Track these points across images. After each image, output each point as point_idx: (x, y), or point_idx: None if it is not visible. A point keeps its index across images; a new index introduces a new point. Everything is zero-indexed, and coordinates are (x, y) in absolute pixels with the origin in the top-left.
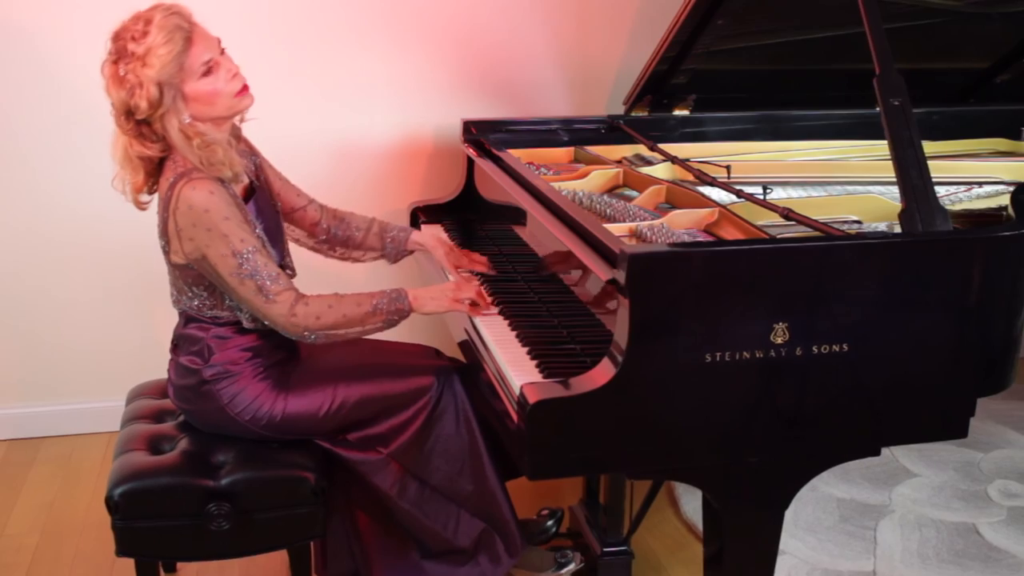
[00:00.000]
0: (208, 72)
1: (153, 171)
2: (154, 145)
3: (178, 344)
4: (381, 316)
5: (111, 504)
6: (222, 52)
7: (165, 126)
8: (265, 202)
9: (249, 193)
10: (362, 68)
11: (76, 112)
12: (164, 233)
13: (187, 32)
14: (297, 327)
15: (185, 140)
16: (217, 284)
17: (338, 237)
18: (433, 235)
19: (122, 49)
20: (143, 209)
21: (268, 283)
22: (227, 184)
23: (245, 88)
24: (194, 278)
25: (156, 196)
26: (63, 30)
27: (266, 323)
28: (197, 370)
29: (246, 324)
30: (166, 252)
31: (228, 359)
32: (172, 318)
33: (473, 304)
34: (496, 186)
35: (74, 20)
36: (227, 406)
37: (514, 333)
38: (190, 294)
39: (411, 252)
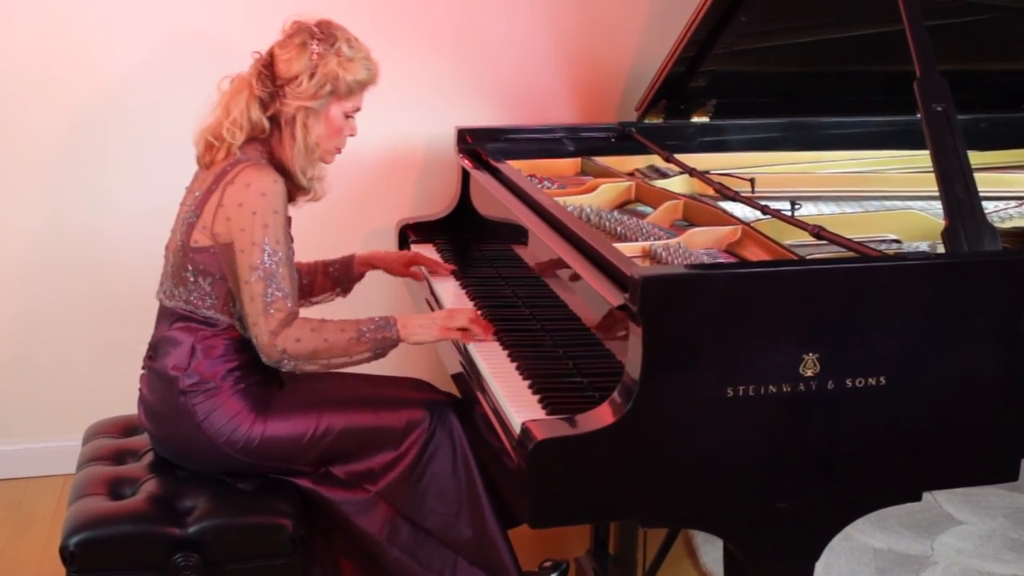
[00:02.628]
0: (348, 116)
1: (242, 146)
2: (265, 119)
3: (156, 350)
4: (367, 344)
5: (66, 555)
6: None
7: (296, 118)
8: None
9: None
10: None
11: (33, 128)
12: (200, 206)
13: (373, 79)
14: (275, 348)
15: (309, 143)
16: (228, 275)
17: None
18: (376, 251)
19: (331, 37)
20: (206, 168)
21: (278, 294)
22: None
23: (340, 152)
24: (206, 264)
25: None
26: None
27: (252, 338)
28: (175, 378)
29: (244, 334)
30: (189, 229)
31: (209, 369)
32: (137, 348)
33: (466, 331)
34: (494, 201)
35: (42, 42)
36: (202, 424)
37: (514, 365)
38: (192, 285)
39: (360, 276)
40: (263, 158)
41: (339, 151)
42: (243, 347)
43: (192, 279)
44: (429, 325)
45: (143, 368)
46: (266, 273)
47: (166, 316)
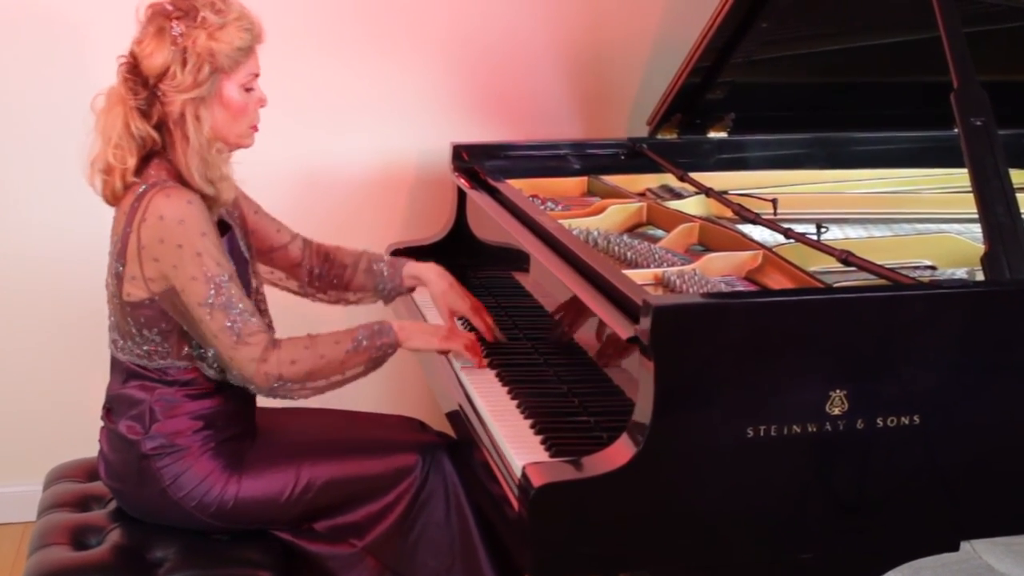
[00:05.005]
0: (248, 88)
1: (139, 165)
2: (152, 130)
3: (113, 407)
4: (364, 354)
5: None
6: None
7: (185, 115)
8: (235, 244)
9: (223, 230)
10: (331, 81)
11: None
12: (121, 254)
13: (257, 38)
14: (269, 376)
15: (204, 139)
16: (181, 321)
17: (325, 278)
18: (433, 267)
19: (191, 10)
20: (114, 204)
21: (242, 319)
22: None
23: (256, 129)
24: (148, 318)
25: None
26: None
27: (232, 373)
28: (136, 441)
29: (210, 374)
30: (119, 281)
31: (174, 429)
32: (100, 384)
33: (467, 348)
34: (492, 224)
35: None
36: (169, 488)
37: (515, 402)
38: (139, 338)
39: (410, 289)
40: (168, 174)
41: (255, 129)
42: (209, 401)
43: (137, 333)
44: (431, 332)
45: (102, 420)
46: (221, 304)
47: (119, 370)
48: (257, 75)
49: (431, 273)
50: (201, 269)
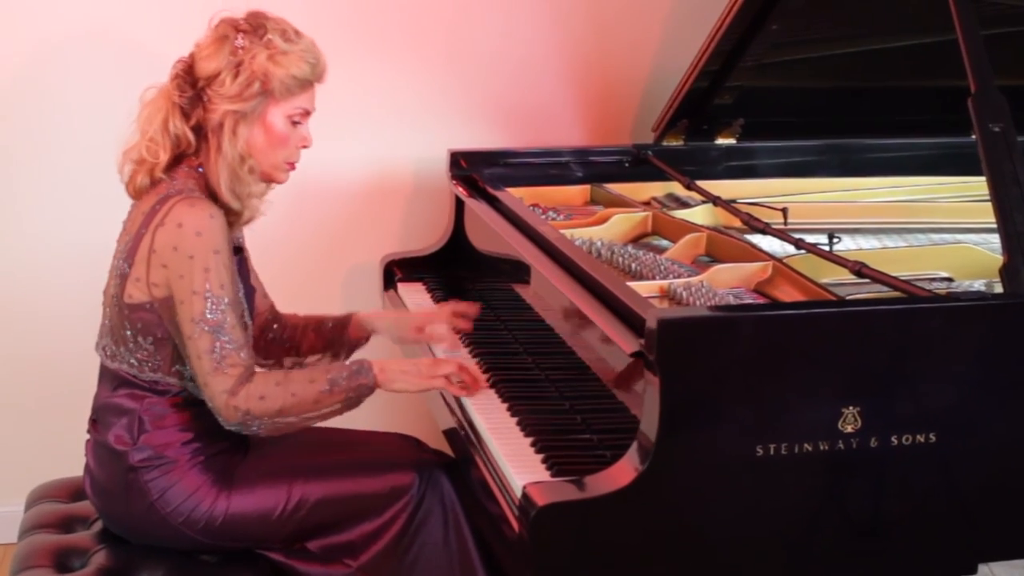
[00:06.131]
0: (295, 122)
1: (171, 162)
2: (189, 131)
3: (100, 417)
4: (339, 395)
5: None
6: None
7: (224, 125)
8: (244, 268)
9: (235, 251)
10: (326, 85)
11: None
12: (130, 254)
13: (318, 76)
14: (236, 410)
15: (237, 154)
16: (172, 332)
17: (279, 341)
18: (376, 310)
19: (260, 29)
20: (135, 198)
21: (229, 348)
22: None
23: (293, 167)
24: (145, 324)
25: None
26: None
27: (205, 397)
28: (123, 452)
29: (196, 393)
30: (122, 282)
31: (162, 441)
32: (84, 402)
33: (456, 381)
34: (492, 234)
35: None
36: (156, 503)
37: (514, 420)
38: (132, 345)
39: (359, 342)
40: (196, 184)
41: (291, 167)
42: (199, 413)
43: (132, 339)
44: (412, 372)
45: (88, 433)
46: (212, 326)
47: (108, 378)
48: (309, 113)
49: (377, 313)
50: (205, 286)
